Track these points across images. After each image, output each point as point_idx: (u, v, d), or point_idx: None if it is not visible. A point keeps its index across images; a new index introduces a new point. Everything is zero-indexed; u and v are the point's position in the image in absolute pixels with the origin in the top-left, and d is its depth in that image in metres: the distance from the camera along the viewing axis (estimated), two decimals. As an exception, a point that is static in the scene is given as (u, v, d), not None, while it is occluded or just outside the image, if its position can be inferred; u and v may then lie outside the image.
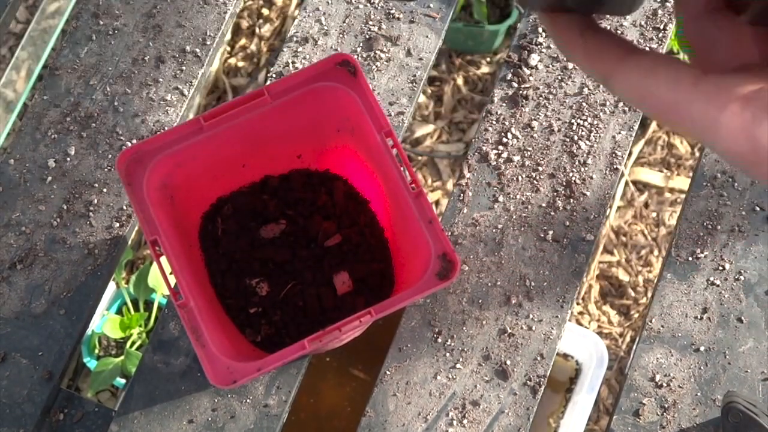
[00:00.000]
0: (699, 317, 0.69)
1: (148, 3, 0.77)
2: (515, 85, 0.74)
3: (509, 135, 0.73)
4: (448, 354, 0.68)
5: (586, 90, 0.74)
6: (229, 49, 1.38)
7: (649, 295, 1.19)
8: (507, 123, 0.73)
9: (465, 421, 0.66)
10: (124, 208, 0.71)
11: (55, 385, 0.67)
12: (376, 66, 0.75)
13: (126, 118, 0.74)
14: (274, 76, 0.75)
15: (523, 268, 0.69)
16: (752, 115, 0.22)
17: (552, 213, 0.71)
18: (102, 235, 0.71)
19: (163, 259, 0.55)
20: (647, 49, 0.25)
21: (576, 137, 0.72)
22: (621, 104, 0.73)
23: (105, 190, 0.72)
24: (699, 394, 0.67)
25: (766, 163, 0.22)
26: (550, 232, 0.70)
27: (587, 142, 0.72)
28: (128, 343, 1.04)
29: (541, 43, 0.75)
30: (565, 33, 0.28)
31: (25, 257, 0.70)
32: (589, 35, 0.27)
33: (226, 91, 1.35)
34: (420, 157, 1.30)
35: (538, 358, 0.67)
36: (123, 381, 1.05)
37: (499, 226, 0.70)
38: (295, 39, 0.76)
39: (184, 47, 0.76)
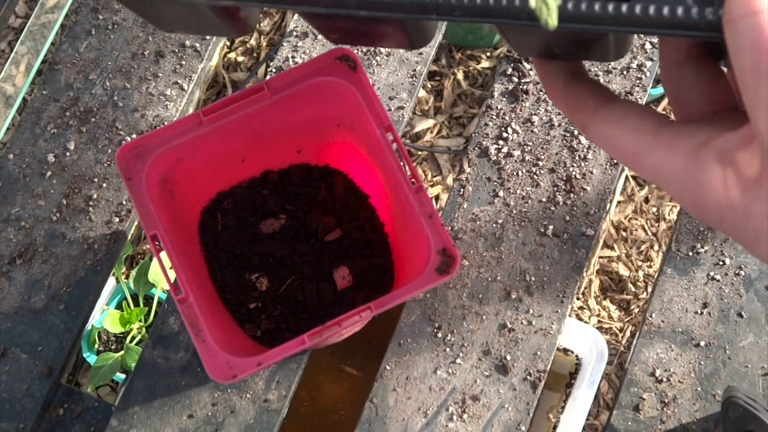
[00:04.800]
0: (699, 312, 0.69)
1: (147, -3, 0.77)
2: (515, 79, 0.74)
3: (509, 130, 0.72)
4: (448, 349, 0.68)
5: (586, 85, 0.73)
6: (228, 43, 1.37)
7: (650, 290, 1.19)
8: (507, 118, 0.73)
9: (465, 416, 0.66)
10: (124, 202, 0.71)
11: (54, 380, 0.67)
12: (376, 60, 0.74)
13: (125, 113, 0.73)
14: (273, 70, 0.75)
15: (523, 263, 0.69)
16: (699, 163, 0.22)
17: (552, 208, 0.70)
18: (102, 230, 0.70)
19: (163, 254, 0.55)
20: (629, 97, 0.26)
21: (576, 132, 0.72)
22: (621, 99, 0.73)
23: (104, 185, 0.72)
24: (699, 389, 0.67)
25: (713, 211, 0.22)
26: (551, 227, 0.70)
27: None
28: (128, 338, 1.04)
29: (541, 38, 0.75)
30: (551, 82, 0.28)
31: (25, 252, 0.70)
32: (572, 85, 0.28)
33: (225, 86, 1.35)
34: (420, 152, 1.30)
35: (538, 353, 0.67)
36: (123, 376, 1.06)
37: (499, 221, 0.70)
38: (294, 33, 0.76)
39: (184, 42, 0.76)
